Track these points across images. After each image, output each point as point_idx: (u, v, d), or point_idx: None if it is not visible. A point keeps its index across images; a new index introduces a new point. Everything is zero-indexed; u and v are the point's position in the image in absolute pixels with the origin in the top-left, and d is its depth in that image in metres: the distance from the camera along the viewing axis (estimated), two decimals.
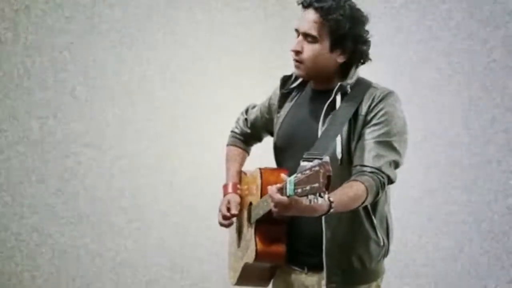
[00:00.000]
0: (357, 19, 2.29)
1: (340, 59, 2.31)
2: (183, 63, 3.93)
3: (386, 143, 2.24)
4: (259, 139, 2.73)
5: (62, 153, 3.67)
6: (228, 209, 2.53)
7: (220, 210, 2.56)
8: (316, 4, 2.27)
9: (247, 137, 2.72)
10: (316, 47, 2.28)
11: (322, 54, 2.29)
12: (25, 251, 3.61)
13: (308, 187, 1.87)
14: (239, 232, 2.62)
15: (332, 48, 2.29)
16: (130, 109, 3.82)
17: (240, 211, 2.58)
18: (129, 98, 3.82)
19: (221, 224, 2.56)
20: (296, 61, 2.32)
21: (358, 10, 2.31)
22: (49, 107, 3.64)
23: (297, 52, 2.30)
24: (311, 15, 2.28)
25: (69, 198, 3.68)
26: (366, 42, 2.32)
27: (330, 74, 2.33)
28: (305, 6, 2.30)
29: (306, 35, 2.29)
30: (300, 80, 2.46)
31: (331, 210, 2.04)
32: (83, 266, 3.73)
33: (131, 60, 3.82)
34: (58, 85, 3.66)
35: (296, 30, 2.32)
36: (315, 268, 2.34)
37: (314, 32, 2.27)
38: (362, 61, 2.34)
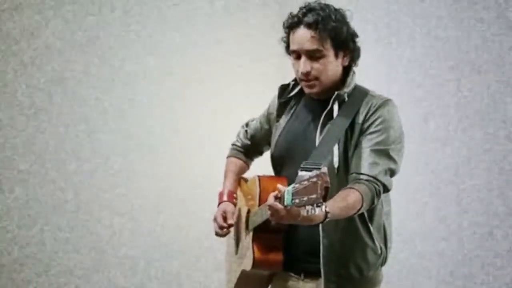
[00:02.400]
0: (344, 17, 2.31)
1: (345, 62, 2.33)
2: (186, 69, 3.95)
3: (382, 152, 2.25)
4: (260, 152, 2.71)
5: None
6: (224, 219, 2.51)
7: (215, 220, 2.53)
8: (306, 20, 2.26)
9: (248, 149, 2.70)
10: (324, 60, 2.28)
11: (331, 64, 2.29)
12: None
13: (305, 198, 1.88)
14: (237, 239, 2.62)
15: (337, 55, 2.30)
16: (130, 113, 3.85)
17: (238, 218, 2.59)
18: (129, 102, 3.83)
19: (217, 234, 2.53)
20: (308, 81, 2.30)
21: (340, 9, 2.32)
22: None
23: (308, 73, 2.28)
24: (305, 32, 2.26)
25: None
26: (356, 35, 2.35)
27: (335, 81, 2.33)
28: (294, 26, 2.29)
29: (310, 53, 2.27)
30: (298, 89, 2.45)
31: (327, 220, 2.05)
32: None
33: (132, 62, 3.84)
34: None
35: (294, 52, 2.30)
36: (312, 275, 2.34)
37: (317, 46, 2.26)
38: (358, 58, 2.37)
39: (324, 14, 2.26)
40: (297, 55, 2.30)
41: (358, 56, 2.36)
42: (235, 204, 2.57)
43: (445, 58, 3.26)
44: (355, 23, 2.36)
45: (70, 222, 3.77)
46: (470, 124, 3.18)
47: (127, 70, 3.84)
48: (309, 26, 2.26)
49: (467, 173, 3.20)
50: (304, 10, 2.28)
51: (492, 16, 3.08)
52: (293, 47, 2.30)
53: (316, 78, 2.29)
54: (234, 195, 2.60)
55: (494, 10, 3.07)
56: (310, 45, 2.26)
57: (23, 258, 3.70)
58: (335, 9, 2.31)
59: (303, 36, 2.27)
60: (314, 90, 2.32)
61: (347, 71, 2.35)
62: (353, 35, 2.33)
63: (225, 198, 2.57)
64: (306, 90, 2.35)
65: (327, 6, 2.30)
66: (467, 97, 3.18)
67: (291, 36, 2.31)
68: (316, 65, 2.28)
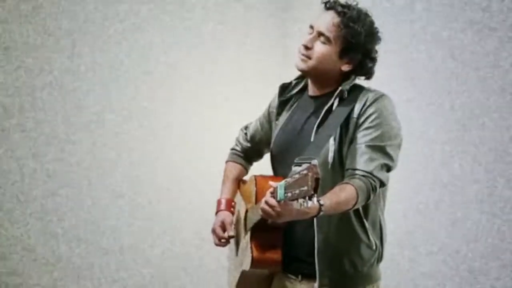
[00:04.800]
0: (373, 36, 2.34)
1: (345, 68, 2.34)
2: (187, 70, 3.97)
3: (378, 148, 2.25)
4: (259, 154, 2.71)
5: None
6: (223, 230, 2.52)
7: (214, 231, 2.54)
8: (339, 9, 2.31)
9: (248, 153, 2.71)
10: (326, 48, 2.31)
11: (330, 57, 2.32)
12: None
13: (297, 191, 1.89)
14: (237, 240, 2.62)
15: (341, 55, 2.32)
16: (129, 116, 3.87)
17: (238, 219, 2.59)
18: (128, 103, 3.85)
19: (217, 245, 2.55)
20: (303, 55, 2.34)
21: (376, 28, 2.35)
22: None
23: (307, 48, 2.33)
24: (332, 17, 2.31)
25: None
26: (374, 60, 2.36)
27: (329, 79, 2.36)
28: (328, 7, 2.35)
29: (320, 34, 2.31)
30: (298, 88, 2.48)
31: (321, 213, 2.06)
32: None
33: (131, 61, 3.86)
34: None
35: (311, 27, 2.35)
36: (309, 276, 2.34)
37: (329, 34, 2.30)
38: (364, 76, 2.38)
39: (356, 16, 2.30)
40: (311, 30, 2.35)
41: (362, 73, 2.36)
42: (233, 213, 2.57)
43: None
44: None
45: (71, 221, 3.77)
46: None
47: (128, 69, 3.84)
48: (338, 13, 2.31)
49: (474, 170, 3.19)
50: (345, 3, 2.34)
51: None
52: (312, 22, 2.35)
53: (309, 57, 2.33)
54: (232, 203, 2.60)
55: None
56: (324, 29, 2.30)
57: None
58: (371, 23, 2.34)
59: (326, 18, 2.32)
60: (301, 65, 2.35)
61: (349, 76, 2.36)
62: (366, 52, 2.33)
63: (222, 207, 2.58)
64: (296, 61, 2.37)
65: (366, 14, 2.34)
66: None
67: (320, 13, 2.36)
68: (318, 46, 2.32)
